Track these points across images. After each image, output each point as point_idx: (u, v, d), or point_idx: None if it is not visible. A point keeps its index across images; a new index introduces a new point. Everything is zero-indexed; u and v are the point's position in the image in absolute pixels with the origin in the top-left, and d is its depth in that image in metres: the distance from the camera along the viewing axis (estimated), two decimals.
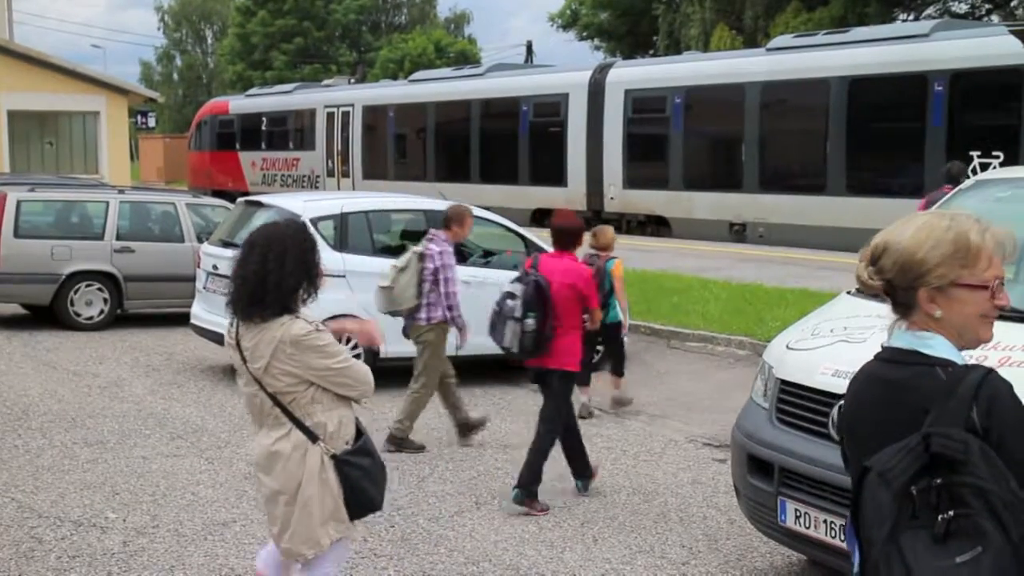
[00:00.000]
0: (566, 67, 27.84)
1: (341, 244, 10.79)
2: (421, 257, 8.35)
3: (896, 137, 19.31)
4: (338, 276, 10.55)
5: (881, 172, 19.50)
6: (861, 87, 19.62)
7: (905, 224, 2.52)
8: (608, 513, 6.99)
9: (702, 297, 14.84)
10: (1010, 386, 2.39)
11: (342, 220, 10.93)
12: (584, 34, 53.47)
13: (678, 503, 7.21)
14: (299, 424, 4.24)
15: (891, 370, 2.51)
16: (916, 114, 18.64)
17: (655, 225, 23.60)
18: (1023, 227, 6.27)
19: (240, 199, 12.89)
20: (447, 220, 8.63)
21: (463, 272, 10.99)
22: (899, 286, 2.48)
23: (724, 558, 6.24)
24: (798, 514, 5.17)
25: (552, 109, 25.76)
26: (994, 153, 16.90)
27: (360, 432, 4.42)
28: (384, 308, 8.51)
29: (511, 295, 7.12)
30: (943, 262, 2.44)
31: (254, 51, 66.60)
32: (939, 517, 2.24)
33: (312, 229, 10.51)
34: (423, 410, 8.51)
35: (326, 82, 40.49)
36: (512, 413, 9.75)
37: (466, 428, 8.63)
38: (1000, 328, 5.31)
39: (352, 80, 42.70)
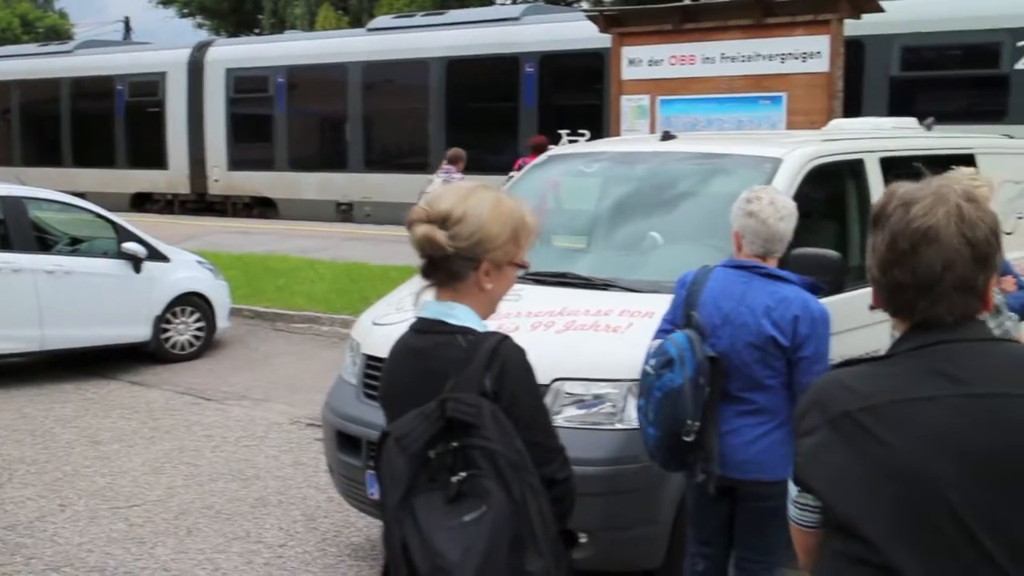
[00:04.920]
0: (164, 45, 26.71)
1: None
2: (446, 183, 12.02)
3: (493, 116, 20.04)
4: None
5: (480, 149, 20.12)
6: (458, 68, 20.20)
7: (471, 196, 2.52)
8: (205, 503, 6.79)
9: (308, 278, 14.77)
10: (521, 352, 2.51)
11: None
12: (185, 11, 51.66)
13: (278, 486, 7.12)
14: None
15: (420, 340, 2.58)
16: (510, 94, 19.45)
17: (261, 207, 23.21)
18: (601, 197, 6.74)
19: None
20: (456, 159, 13.09)
21: (46, 261, 10.36)
22: (464, 256, 2.49)
23: (321, 536, 6.23)
24: None
25: (150, 88, 24.65)
26: (580, 131, 17.93)
27: None
28: None
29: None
30: (510, 239, 2.52)
31: None
32: (452, 479, 2.32)
33: None
34: None
35: None
36: (104, 408, 9.25)
37: None
38: (568, 295, 5.59)
39: None
